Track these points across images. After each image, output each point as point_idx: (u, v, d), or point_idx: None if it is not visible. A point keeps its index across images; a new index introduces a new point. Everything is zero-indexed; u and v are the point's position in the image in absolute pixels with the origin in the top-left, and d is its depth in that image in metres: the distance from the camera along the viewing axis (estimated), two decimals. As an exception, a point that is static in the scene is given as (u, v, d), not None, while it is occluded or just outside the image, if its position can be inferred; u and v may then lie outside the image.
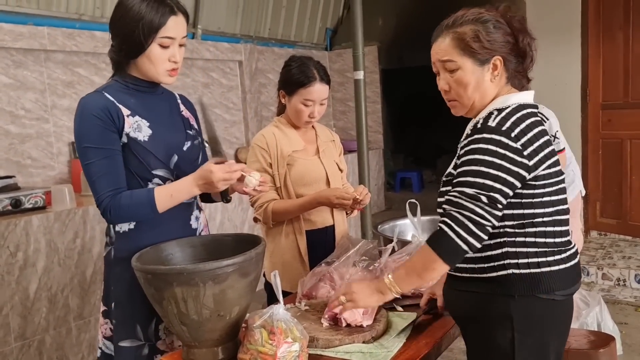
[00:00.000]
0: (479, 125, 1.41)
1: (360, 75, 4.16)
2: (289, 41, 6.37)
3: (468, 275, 1.45)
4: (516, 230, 1.40)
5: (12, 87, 3.63)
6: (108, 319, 1.71)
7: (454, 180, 1.41)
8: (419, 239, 1.95)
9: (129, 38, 1.58)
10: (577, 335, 2.28)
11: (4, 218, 2.89)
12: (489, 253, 1.41)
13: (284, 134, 2.21)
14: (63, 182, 3.77)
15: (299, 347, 1.37)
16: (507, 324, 1.40)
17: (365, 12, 4.23)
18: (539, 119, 1.45)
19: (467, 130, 1.49)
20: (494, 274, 1.41)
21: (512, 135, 1.36)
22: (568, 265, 1.43)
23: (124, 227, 1.66)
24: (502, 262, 1.40)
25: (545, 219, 1.41)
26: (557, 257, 1.41)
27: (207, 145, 1.83)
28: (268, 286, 2.17)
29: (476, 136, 1.39)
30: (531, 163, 1.37)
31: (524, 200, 1.39)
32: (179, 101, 1.82)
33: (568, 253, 1.44)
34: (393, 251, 1.91)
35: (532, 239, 1.40)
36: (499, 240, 1.40)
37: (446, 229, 1.36)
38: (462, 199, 1.36)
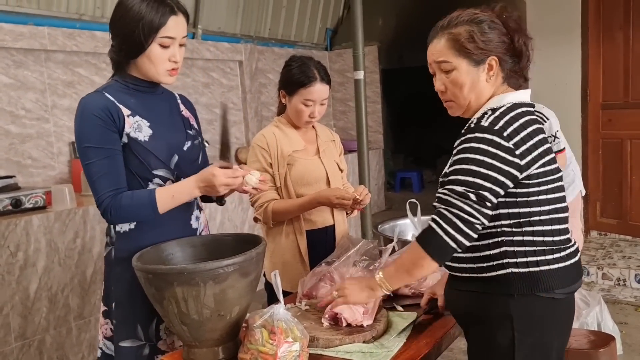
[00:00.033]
0: (472, 125, 1.42)
1: (360, 75, 4.15)
2: (289, 41, 6.37)
3: (468, 275, 1.46)
4: (513, 230, 1.40)
5: (13, 87, 3.63)
6: (108, 319, 1.71)
7: (446, 179, 1.41)
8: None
9: (129, 38, 1.58)
10: (577, 335, 2.28)
11: (4, 218, 2.89)
12: (488, 252, 1.41)
13: (284, 134, 2.21)
14: (63, 182, 3.77)
15: (299, 347, 1.37)
16: (507, 324, 1.40)
17: (365, 12, 4.23)
18: (534, 117, 1.45)
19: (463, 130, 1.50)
20: (493, 274, 1.41)
21: (505, 134, 1.36)
22: (568, 263, 1.43)
23: (124, 227, 1.66)
24: (500, 262, 1.40)
25: (543, 217, 1.41)
26: (557, 255, 1.41)
27: (206, 145, 1.83)
28: (268, 286, 2.17)
29: (468, 135, 1.40)
30: (523, 162, 1.37)
31: (519, 199, 1.39)
32: (179, 101, 1.82)
33: (568, 251, 1.44)
34: (393, 251, 1.90)
35: (530, 238, 1.40)
36: (496, 239, 1.41)
37: (435, 226, 1.37)
38: (451, 196, 1.36)
